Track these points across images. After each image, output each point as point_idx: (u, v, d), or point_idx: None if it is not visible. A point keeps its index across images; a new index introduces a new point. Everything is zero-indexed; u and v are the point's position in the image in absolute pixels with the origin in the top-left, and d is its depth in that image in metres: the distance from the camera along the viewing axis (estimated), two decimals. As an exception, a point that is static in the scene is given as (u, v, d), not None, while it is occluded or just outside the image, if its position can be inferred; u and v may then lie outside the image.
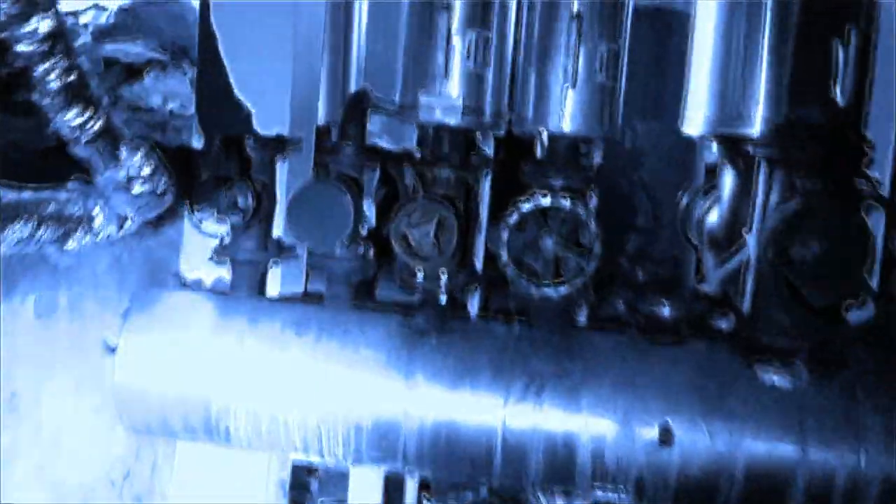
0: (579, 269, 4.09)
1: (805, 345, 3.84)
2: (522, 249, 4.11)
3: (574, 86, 4.13)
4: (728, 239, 4.36)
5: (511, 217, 3.99)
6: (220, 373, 3.91)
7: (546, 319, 4.29)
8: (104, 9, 9.32)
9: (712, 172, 4.41)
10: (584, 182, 4.26)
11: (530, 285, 3.99)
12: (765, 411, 3.58)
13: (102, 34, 8.46)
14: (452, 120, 3.91)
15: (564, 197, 4.07)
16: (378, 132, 5.49)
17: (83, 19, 9.32)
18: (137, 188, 3.94)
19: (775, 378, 3.87)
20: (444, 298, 4.16)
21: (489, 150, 4.25)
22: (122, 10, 8.70)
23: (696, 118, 4.22)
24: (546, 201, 4.03)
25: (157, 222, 4.65)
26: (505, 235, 4.01)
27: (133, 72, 7.15)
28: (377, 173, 4.20)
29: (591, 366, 3.90)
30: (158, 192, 4.02)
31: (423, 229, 4.10)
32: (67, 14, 9.32)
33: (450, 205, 3.91)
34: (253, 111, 4.74)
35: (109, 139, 3.74)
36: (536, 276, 4.14)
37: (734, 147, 4.07)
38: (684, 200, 5.02)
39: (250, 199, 4.37)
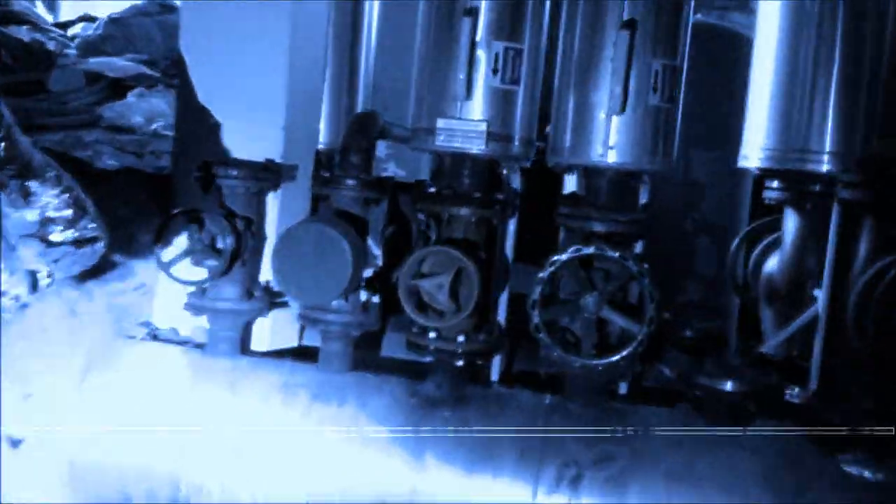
0: (628, 337, 3.32)
1: (898, 429, 3.08)
2: (558, 310, 3.34)
3: (622, 110, 3.40)
4: (789, 294, 3.97)
5: (546, 270, 3.22)
6: (192, 444, 3.47)
7: (583, 390, 3.52)
8: (94, 19, 8.75)
9: (772, 212, 4.10)
10: (632, 226, 3.50)
11: (568, 356, 3.23)
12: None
13: (89, 47, 7.86)
14: (475, 148, 3.42)
15: (611, 246, 3.31)
16: (387, 160, 4.77)
17: (71, 31, 8.73)
18: (56, 235, 3.07)
19: (865, 472, 3.05)
20: (460, 362, 3.34)
21: (517, 184, 3.69)
22: (113, 21, 8.13)
23: (754, 150, 3.77)
24: (588, 250, 3.27)
25: (125, 261, 3.92)
26: (537, 292, 3.25)
27: (119, 88, 6.53)
28: (384, 209, 3.42)
29: (640, 450, 3.12)
30: (84, 239, 3.17)
31: (437, 280, 3.35)
32: (55, 26, 8.77)
33: (469, 251, 3.16)
34: (238, 134, 4.05)
35: (16, 170, 2.83)
36: (575, 345, 3.37)
37: (800, 185, 3.76)
38: (735, 245, 4.61)
39: (230, 240, 3.63)
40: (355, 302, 3.74)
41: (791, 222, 3.98)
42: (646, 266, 3.33)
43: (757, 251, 4.57)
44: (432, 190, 3.71)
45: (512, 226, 3.87)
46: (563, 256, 3.34)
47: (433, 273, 3.52)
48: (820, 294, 3.50)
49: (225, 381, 3.79)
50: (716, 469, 3.26)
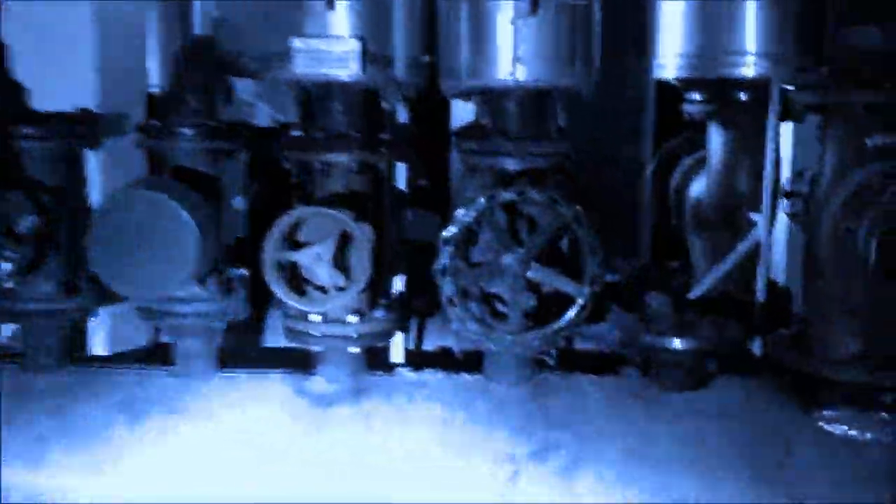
0: (566, 300, 2.62)
1: (891, 375, 2.78)
2: (474, 275, 2.60)
3: (534, 10, 2.64)
4: (722, 220, 3.49)
5: (454, 225, 2.47)
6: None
7: (507, 367, 2.83)
8: None
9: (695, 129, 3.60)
10: (554, 159, 2.79)
11: (492, 331, 2.51)
12: (842, 482, 2.54)
13: None
14: (344, 73, 2.70)
15: (534, 187, 2.58)
16: (255, 101, 3.84)
17: None
18: None
19: (851, 430, 2.78)
20: (356, 348, 2.98)
21: (405, 118, 3.13)
22: None
23: (670, 58, 3.28)
24: (507, 196, 2.53)
25: None
26: (446, 255, 2.49)
27: None
28: (243, 164, 2.96)
29: (586, 433, 2.37)
30: None
31: (314, 250, 2.55)
32: None
33: (356, 208, 2.35)
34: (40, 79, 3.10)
35: None
36: (498, 315, 2.66)
37: (725, 94, 3.26)
38: (651, 171, 4.19)
39: (32, 221, 2.69)
40: (214, 286, 2.87)
41: (717, 138, 3.51)
42: (580, 209, 2.62)
43: (677, 175, 4.05)
44: (298, 133, 2.87)
45: (403, 171, 3.07)
46: (474, 207, 2.59)
47: (313, 242, 2.71)
48: (759, 218, 3.20)
49: (51, 405, 2.89)
50: (676, 444, 2.76)
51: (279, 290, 2.60)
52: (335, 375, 2.93)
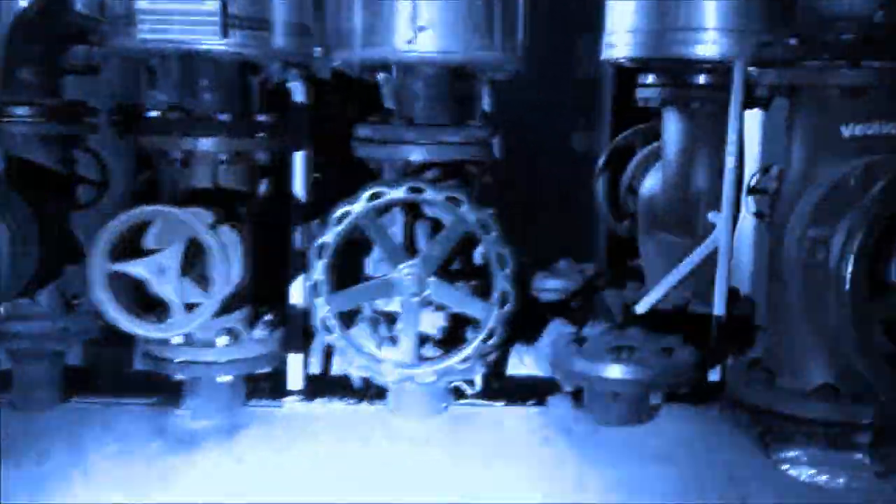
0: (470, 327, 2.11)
1: (868, 410, 2.32)
2: (355, 295, 2.09)
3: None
4: (678, 220, 3.17)
5: (327, 231, 1.96)
6: None
7: (413, 399, 2.33)
8: None
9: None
10: (470, 150, 2.29)
11: (375, 368, 2.00)
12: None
13: None
14: (205, 40, 2.25)
15: (434, 184, 2.07)
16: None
17: None
18: None
19: (819, 475, 2.33)
20: (227, 377, 2.53)
21: (301, 97, 2.62)
22: None
23: (621, 35, 3.00)
24: (398, 194, 2.01)
25: None
26: (317, 269, 1.98)
27: None
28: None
29: (504, 478, 2.34)
30: None
31: (158, 260, 2.02)
32: None
33: (225, 207, 1.87)
34: None
35: None
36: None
37: (681, 77, 3.02)
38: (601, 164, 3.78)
39: None
40: (52, 300, 2.34)
41: (673, 127, 3.22)
42: (487, 212, 2.10)
43: (629, 169, 3.70)
44: (154, 114, 2.34)
45: (300, 162, 2.56)
46: (353, 209, 2.07)
47: (161, 246, 2.18)
48: (719, 218, 2.83)
49: None
50: (617, 491, 2.31)
51: (109, 310, 2.06)
52: (203, 410, 2.40)
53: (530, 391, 2.79)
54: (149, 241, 2.23)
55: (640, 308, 2.98)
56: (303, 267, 2.58)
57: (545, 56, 3.50)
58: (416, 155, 2.40)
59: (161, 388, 2.65)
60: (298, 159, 2.71)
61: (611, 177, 3.80)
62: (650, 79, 3.23)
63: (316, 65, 2.68)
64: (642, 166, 3.59)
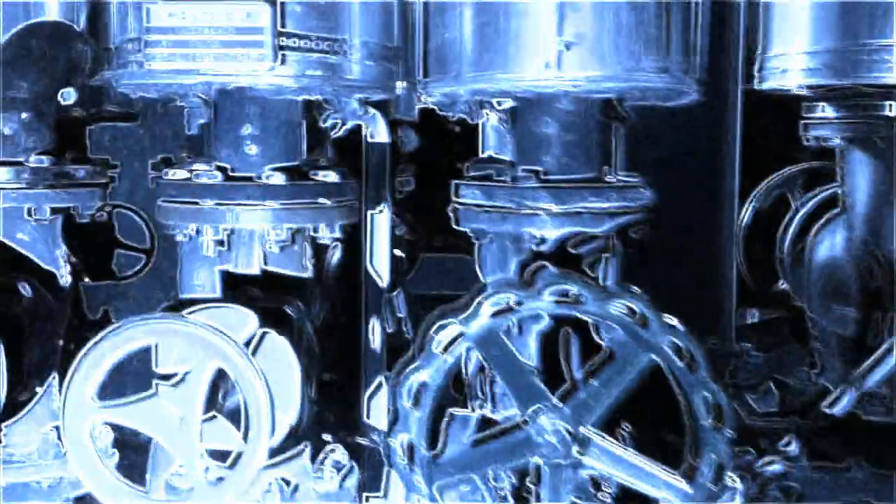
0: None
1: None
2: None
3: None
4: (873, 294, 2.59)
5: (431, 357, 1.24)
6: None
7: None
8: None
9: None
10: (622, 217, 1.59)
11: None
12: None
13: None
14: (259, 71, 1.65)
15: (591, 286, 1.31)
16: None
17: None
18: None
19: None
20: None
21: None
22: None
23: (792, 59, 2.41)
24: (539, 306, 1.27)
25: None
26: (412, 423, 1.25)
27: None
28: None
29: None
30: None
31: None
32: None
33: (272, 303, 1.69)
34: None
35: None
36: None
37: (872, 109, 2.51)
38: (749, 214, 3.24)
39: None
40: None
41: (862, 171, 2.71)
42: (687, 335, 1.35)
43: (794, 224, 3.16)
44: (176, 174, 1.66)
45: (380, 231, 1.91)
46: (463, 328, 1.32)
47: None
48: None
49: None
50: None
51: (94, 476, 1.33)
52: None
53: None
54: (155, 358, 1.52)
55: (837, 409, 2.38)
56: (380, 369, 1.89)
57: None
58: (553, 229, 1.66)
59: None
60: (377, 227, 2.01)
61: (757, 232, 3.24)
62: (827, 111, 2.72)
63: (401, 102, 1.99)
64: (812, 222, 2.98)
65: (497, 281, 1.55)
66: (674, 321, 1.44)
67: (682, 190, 4.21)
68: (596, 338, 1.51)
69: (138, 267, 2.34)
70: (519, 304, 1.44)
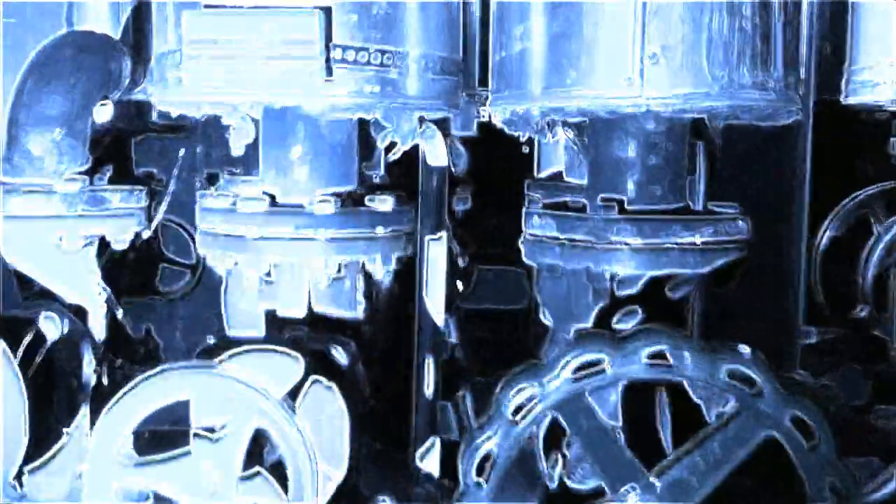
0: None
1: None
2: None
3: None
4: None
5: (499, 422, 1.04)
6: None
7: None
8: None
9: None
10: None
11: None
12: None
13: None
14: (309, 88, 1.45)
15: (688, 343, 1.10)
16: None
17: None
18: None
19: None
20: None
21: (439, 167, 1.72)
22: None
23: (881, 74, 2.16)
24: (630, 370, 1.07)
25: None
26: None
27: None
28: None
29: None
30: None
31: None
32: None
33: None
34: None
35: None
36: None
37: None
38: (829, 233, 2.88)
39: None
40: None
41: None
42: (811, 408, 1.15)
43: (881, 247, 2.82)
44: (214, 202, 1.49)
45: (437, 263, 1.72)
46: (538, 391, 1.13)
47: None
48: None
49: None
50: None
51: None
52: None
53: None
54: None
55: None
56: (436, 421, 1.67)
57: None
58: (636, 266, 1.45)
59: None
60: (434, 257, 1.80)
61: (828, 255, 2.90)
62: (921, 124, 2.47)
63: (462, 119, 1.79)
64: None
65: (580, 342, 1.31)
66: (798, 400, 1.19)
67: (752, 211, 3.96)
68: (693, 396, 1.30)
69: (182, 283, 2.20)
70: (600, 364, 1.23)
